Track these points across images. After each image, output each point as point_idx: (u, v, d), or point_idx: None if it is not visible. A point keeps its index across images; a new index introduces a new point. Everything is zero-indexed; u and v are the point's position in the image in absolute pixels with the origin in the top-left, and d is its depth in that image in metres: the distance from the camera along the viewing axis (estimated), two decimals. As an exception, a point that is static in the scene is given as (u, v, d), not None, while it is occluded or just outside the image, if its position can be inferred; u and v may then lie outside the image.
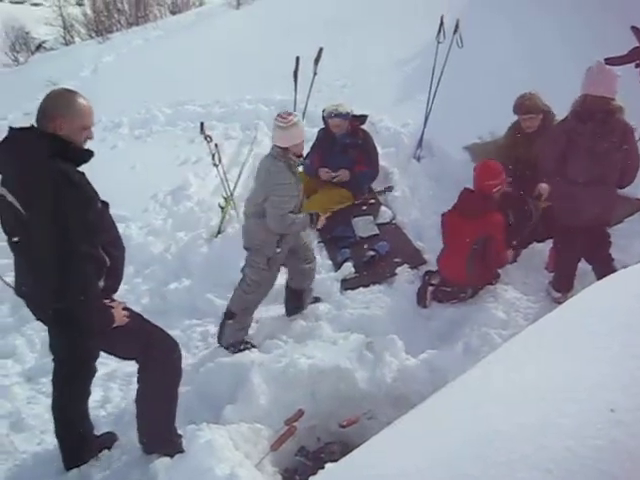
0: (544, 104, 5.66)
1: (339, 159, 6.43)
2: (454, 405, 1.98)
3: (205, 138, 6.12)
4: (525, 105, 5.64)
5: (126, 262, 3.62)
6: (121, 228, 6.52)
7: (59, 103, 3.14)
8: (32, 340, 5.35)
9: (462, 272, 5.06)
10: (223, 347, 5.00)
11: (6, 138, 3.14)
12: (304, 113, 7.50)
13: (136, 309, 5.57)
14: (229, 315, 5.01)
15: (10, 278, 3.53)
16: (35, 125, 3.14)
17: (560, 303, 4.88)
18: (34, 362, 5.12)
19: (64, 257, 3.03)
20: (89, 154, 3.23)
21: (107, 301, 3.37)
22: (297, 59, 7.08)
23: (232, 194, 6.49)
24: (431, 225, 6.15)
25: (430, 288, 5.25)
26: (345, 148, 6.43)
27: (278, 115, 4.70)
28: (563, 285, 5.13)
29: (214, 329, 5.28)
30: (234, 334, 5.01)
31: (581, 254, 5.06)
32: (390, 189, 6.87)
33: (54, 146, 3.06)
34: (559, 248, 5.21)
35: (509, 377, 1.87)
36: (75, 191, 3.04)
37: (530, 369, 1.86)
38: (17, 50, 25.91)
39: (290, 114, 4.68)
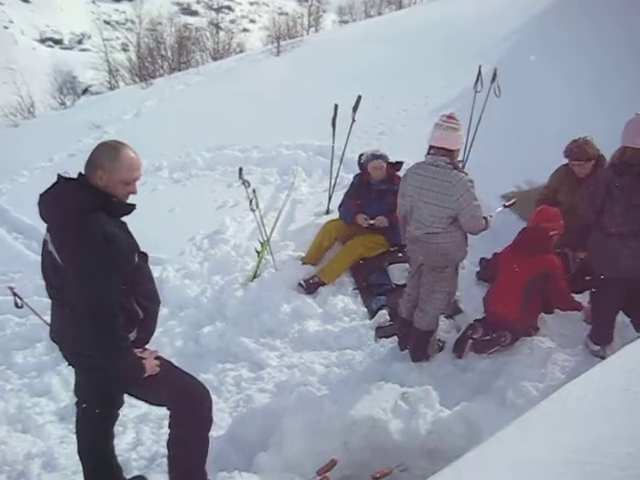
0: (596, 150, 5.60)
1: (375, 205, 6.44)
2: (491, 464, 1.93)
3: (243, 183, 6.20)
4: (573, 152, 5.61)
5: (161, 304, 3.65)
6: (158, 271, 6.71)
7: (103, 155, 3.18)
8: (67, 379, 5.40)
9: (513, 310, 5.00)
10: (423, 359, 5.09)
11: (53, 185, 3.21)
12: (341, 159, 7.55)
13: (170, 352, 5.68)
14: (428, 335, 5.06)
15: (49, 317, 3.58)
16: (83, 173, 3.20)
17: (599, 356, 4.80)
18: (68, 401, 5.15)
19: (95, 310, 3.05)
20: (130, 208, 3.26)
21: (138, 350, 3.38)
22: (336, 107, 7.16)
23: (269, 239, 6.53)
24: (467, 273, 6.09)
25: (470, 341, 5.18)
26: (381, 194, 6.44)
27: (446, 116, 4.67)
28: (602, 338, 5.02)
29: (247, 374, 5.26)
30: (434, 345, 5.13)
31: (619, 306, 4.96)
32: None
33: (95, 199, 3.10)
34: (597, 300, 5.11)
35: (548, 439, 1.83)
36: (110, 246, 3.05)
37: (570, 432, 1.81)
38: (64, 93, 26.67)
39: (456, 116, 4.68)
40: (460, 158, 5.17)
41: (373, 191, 6.50)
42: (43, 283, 3.38)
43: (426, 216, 4.78)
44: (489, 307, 5.24)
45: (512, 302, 5.02)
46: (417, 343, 5.13)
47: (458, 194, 4.57)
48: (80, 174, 3.21)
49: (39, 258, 3.34)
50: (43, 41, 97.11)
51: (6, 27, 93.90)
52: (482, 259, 6.12)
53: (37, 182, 11.36)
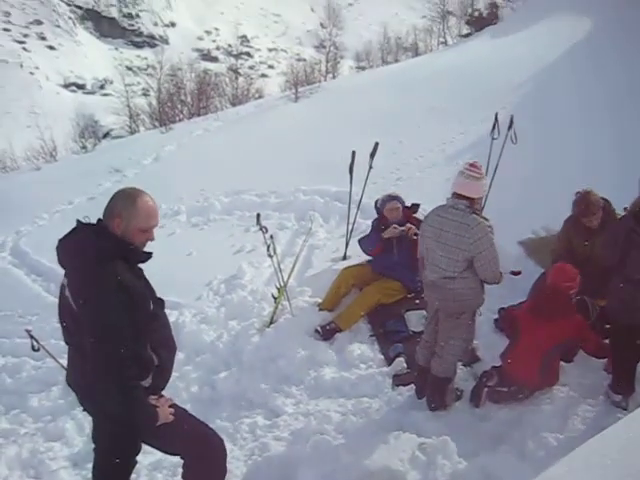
0: (599, 199, 5.59)
1: (395, 248, 6.43)
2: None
3: (261, 229, 6.23)
4: (581, 209, 5.58)
5: (178, 348, 3.64)
6: (174, 315, 6.73)
7: (121, 203, 3.20)
8: (81, 424, 5.38)
9: (533, 373, 4.91)
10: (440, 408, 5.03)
11: (72, 231, 3.24)
12: (359, 205, 7.59)
13: (185, 397, 5.65)
14: (446, 382, 5.00)
15: (65, 360, 3.58)
16: (102, 219, 3.23)
17: (621, 407, 4.72)
18: (82, 446, 5.14)
19: (108, 358, 3.06)
20: (146, 256, 3.28)
21: (153, 398, 3.36)
22: (353, 153, 7.22)
23: (286, 285, 6.54)
24: (485, 320, 6.04)
25: (485, 389, 5.11)
26: (399, 237, 6.43)
27: (470, 165, 4.74)
28: (623, 388, 4.94)
29: (262, 421, 5.22)
30: (452, 394, 5.08)
31: (640, 354, 4.90)
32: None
33: (112, 247, 3.12)
34: (617, 348, 5.04)
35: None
36: (125, 295, 3.06)
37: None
38: (86, 137, 27.13)
39: (479, 165, 4.75)
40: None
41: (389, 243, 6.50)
42: (60, 326, 3.39)
43: (442, 259, 4.76)
44: (508, 368, 5.11)
45: (533, 367, 4.92)
46: (434, 391, 5.07)
47: (475, 237, 4.57)
48: (99, 220, 3.24)
49: (57, 301, 3.36)
50: (67, 86, 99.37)
51: (32, 73, 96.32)
52: (501, 308, 6.07)
53: (57, 225, 11.55)
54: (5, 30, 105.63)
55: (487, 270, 4.68)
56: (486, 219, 4.71)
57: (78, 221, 3.26)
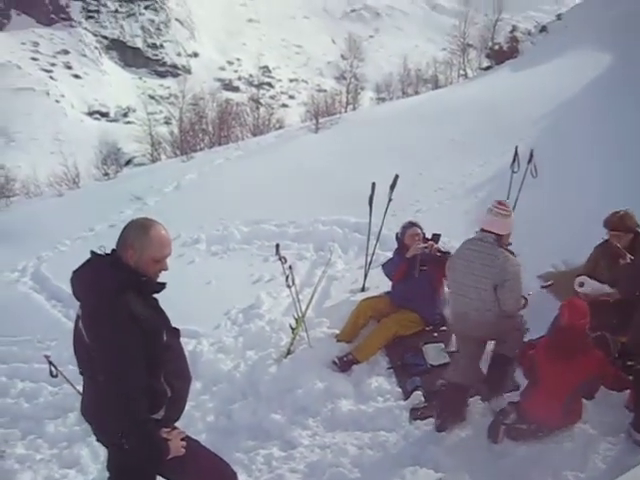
0: (635, 224, 5.56)
1: (415, 278, 6.42)
2: None
3: (280, 259, 6.25)
4: (612, 222, 5.56)
5: (194, 378, 3.64)
6: (192, 344, 6.75)
7: (133, 233, 3.22)
8: (97, 452, 5.39)
9: (555, 414, 4.84)
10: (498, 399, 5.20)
11: (86, 262, 3.26)
12: (378, 237, 7.60)
13: (201, 426, 5.65)
14: (510, 360, 5.16)
15: (81, 387, 3.59)
16: (116, 250, 3.24)
17: (643, 446, 4.64)
18: (96, 474, 5.14)
19: (119, 391, 3.06)
20: (160, 287, 3.29)
21: (166, 430, 3.34)
22: (373, 185, 7.25)
23: (304, 315, 6.53)
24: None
25: (503, 427, 5.04)
26: (422, 260, 6.42)
27: (498, 202, 5.02)
28: (645, 426, 4.85)
29: (278, 452, 5.20)
30: (512, 378, 5.29)
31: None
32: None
33: (125, 278, 3.13)
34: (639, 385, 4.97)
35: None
36: (137, 327, 3.07)
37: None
38: (108, 164, 27.47)
39: (507, 203, 5.02)
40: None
41: (412, 264, 6.49)
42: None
43: (471, 289, 4.96)
44: (529, 409, 5.00)
45: (555, 408, 4.82)
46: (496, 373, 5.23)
47: (502, 266, 4.81)
48: (113, 250, 3.25)
49: (74, 327, 3.37)
50: (91, 114, 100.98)
51: (57, 101, 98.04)
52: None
53: (77, 251, 11.65)
54: (33, 59, 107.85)
55: (510, 299, 4.87)
56: (513, 254, 4.94)
57: (92, 252, 3.27)
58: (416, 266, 6.42)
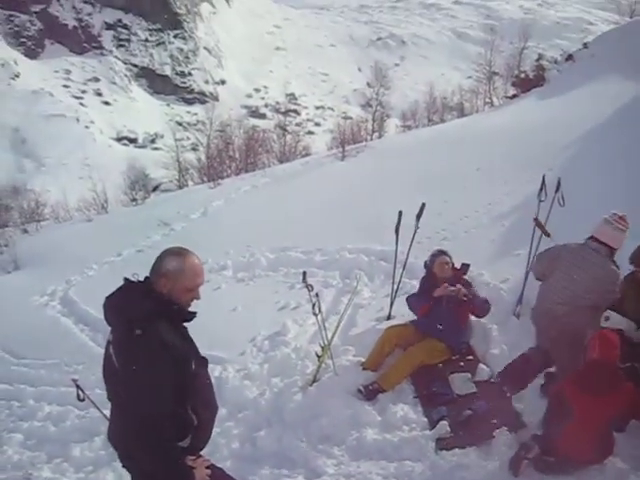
0: None
1: (443, 309, 6.41)
2: None
3: (307, 287, 6.27)
4: (639, 258, 5.50)
5: (220, 404, 3.64)
6: (218, 370, 6.78)
7: (167, 262, 3.26)
8: (122, 477, 5.41)
9: (587, 450, 4.75)
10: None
11: (118, 289, 3.30)
12: (404, 265, 7.60)
13: (226, 453, 5.65)
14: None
15: (109, 411, 3.62)
16: (149, 277, 3.29)
17: (675, 482, 4.54)
18: (121, 499, 5.14)
19: (145, 418, 3.08)
20: (191, 316, 3.32)
21: (191, 458, 3.34)
22: (400, 214, 7.27)
23: (330, 343, 6.52)
24: (531, 386, 5.92)
25: (525, 461, 4.95)
26: (449, 297, 6.41)
27: (617, 216, 5.14)
28: (678, 461, 4.76)
29: (303, 482, 5.18)
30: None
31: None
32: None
33: (156, 306, 3.17)
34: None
35: None
36: (167, 356, 3.10)
37: None
38: (136, 190, 27.79)
39: (626, 218, 5.14)
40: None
41: (438, 303, 6.47)
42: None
43: (565, 291, 5.20)
44: (558, 445, 4.85)
45: (587, 444, 4.72)
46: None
47: (611, 288, 5.08)
48: (146, 278, 3.29)
49: (102, 351, 3.40)
50: (119, 140, 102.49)
51: (87, 127, 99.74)
52: (548, 372, 5.95)
53: (105, 276, 11.81)
54: (65, 87, 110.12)
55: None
56: (619, 269, 5.13)
57: (125, 279, 3.32)
58: (442, 307, 6.40)
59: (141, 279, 3.30)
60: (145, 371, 3.07)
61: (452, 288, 6.36)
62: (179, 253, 3.31)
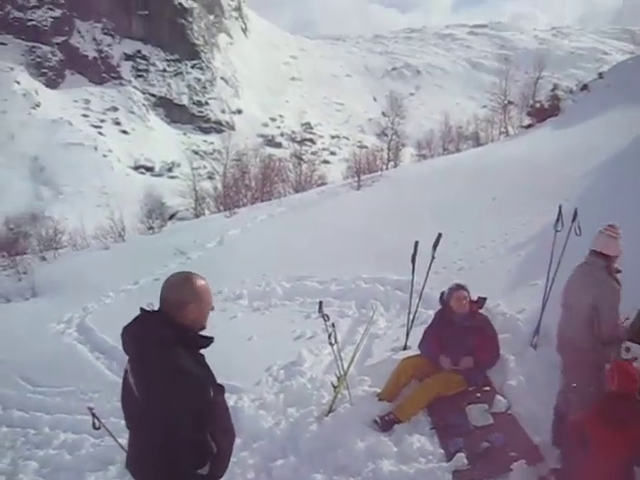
0: None
1: (458, 343, 6.37)
2: None
3: (323, 317, 6.27)
4: None
5: (235, 433, 3.63)
6: (233, 399, 6.77)
7: (186, 291, 3.28)
8: (138, 506, 5.37)
9: None
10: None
11: (135, 318, 3.33)
12: (420, 295, 7.59)
13: (241, 484, 5.60)
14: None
15: (124, 440, 3.62)
16: (161, 308, 3.29)
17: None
18: (138, 532, 5.10)
19: (166, 445, 3.07)
20: (208, 341, 3.33)
21: None
22: (416, 244, 7.28)
23: (346, 373, 6.51)
24: (549, 419, 5.85)
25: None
26: (464, 332, 6.38)
27: (609, 226, 5.30)
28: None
29: (318, 514, 5.14)
30: None
31: None
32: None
33: (174, 334, 3.19)
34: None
35: None
36: (188, 382, 3.11)
37: None
38: (153, 218, 27.97)
39: (617, 226, 5.30)
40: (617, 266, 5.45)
41: (455, 329, 6.45)
42: (120, 405, 3.44)
43: (573, 309, 5.33)
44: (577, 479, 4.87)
45: (606, 478, 4.67)
46: None
47: (599, 289, 5.10)
48: (160, 309, 3.31)
49: (118, 379, 3.43)
50: (136, 168, 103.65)
51: (105, 155, 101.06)
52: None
53: (122, 304, 11.87)
54: (84, 116, 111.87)
55: (602, 325, 5.09)
56: (617, 281, 5.21)
57: (141, 309, 3.35)
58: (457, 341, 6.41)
59: (156, 308, 3.33)
60: (165, 398, 3.07)
61: (455, 367, 6.35)
62: (191, 278, 3.34)
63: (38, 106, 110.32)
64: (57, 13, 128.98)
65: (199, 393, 3.16)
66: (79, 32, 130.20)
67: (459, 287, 6.59)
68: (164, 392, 3.08)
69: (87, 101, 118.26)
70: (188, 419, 3.11)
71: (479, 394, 6.35)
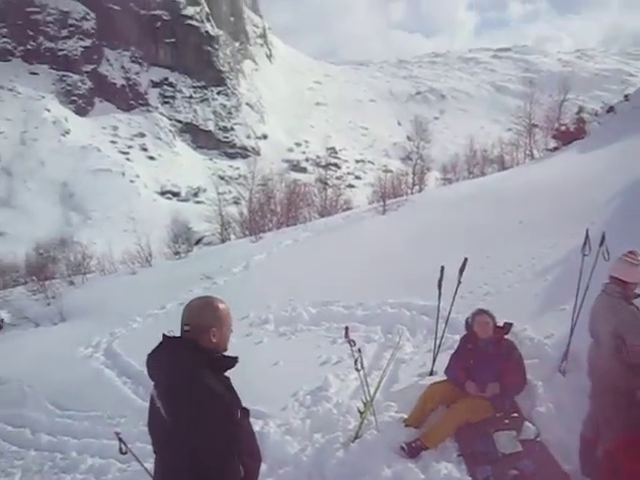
0: None
1: (484, 370, 6.31)
2: None
3: (349, 342, 6.26)
4: None
5: (261, 457, 3.63)
6: (259, 425, 6.76)
7: (208, 315, 3.33)
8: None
9: None
10: None
11: (159, 345, 3.35)
12: (447, 320, 7.55)
13: (268, 510, 5.57)
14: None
15: (150, 464, 3.63)
16: (184, 333, 3.32)
17: None
18: None
19: (196, 468, 3.08)
20: (233, 361, 3.35)
21: None
22: (442, 269, 7.26)
23: (372, 399, 6.48)
24: (578, 446, 5.77)
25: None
26: (490, 358, 6.33)
27: (629, 252, 5.25)
28: None
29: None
30: None
31: None
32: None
33: (202, 358, 3.22)
34: None
35: None
36: (216, 403, 3.12)
37: None
38: (179, 243, 28.18)
39: (637, 253, 5.25)
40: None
41: (481, 355, 6.39)
42: (147, 429, 3.46)
43: (598, 341, 5.28)
44: None
45: None
46: None
47: (618, 317, 5.01)
48: (182, 335, 3.33)
49: (145, 404, 3.45)
50: (163, 193, 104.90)
51: (132, 181, 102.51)
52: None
53: (149, 329, 11.97)
54: (112, 142, 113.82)
55: (630, 353, 4.98)
56: (637, 307, 5.12)
57: (164, 335, 3.37)
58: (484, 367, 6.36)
59: (177, 334, 3.36)
60: (195, 421, 3.08)
61: (481, 394, 6.27)
62: (212, 302, 3.38)
63: (68, 133, 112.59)
64: (87, 43, 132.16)
65: (228, 415, 3.17)
66: (108, 60, 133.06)
67: (481, 312, 6.56)
68: (194, 415, 3.09)
69: (115, 128, 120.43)
70: (220, 443, 3.12)
71: (507, 420, 6.26)
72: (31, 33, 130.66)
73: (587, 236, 7.17)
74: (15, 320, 18.50)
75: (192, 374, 3.16)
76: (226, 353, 3.38)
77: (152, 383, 3.39)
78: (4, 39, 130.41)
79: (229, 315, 3.38)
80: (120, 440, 5.27)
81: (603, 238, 7.03)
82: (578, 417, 6.26)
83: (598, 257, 7.02)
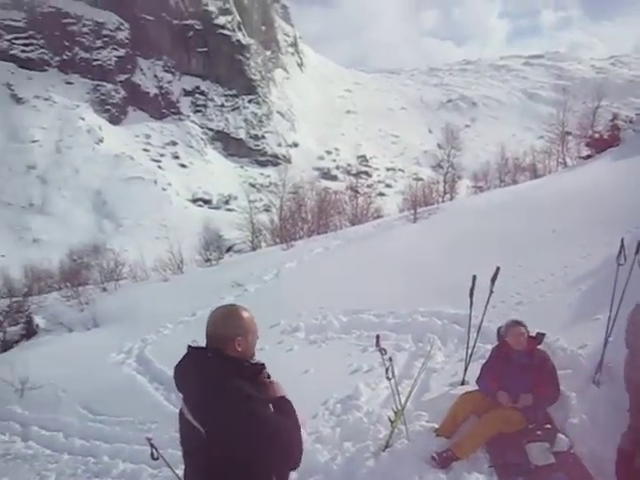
0: None
1: (516, 380, 6.23)
2: None
3: (380, 351, 6.25)
4: None
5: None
6: (290, 433, 6.73)
7: (233, 324, 3.32)
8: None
9: None
10: None
11: (186, 357, 3.36)
12: (479, 329, 7.48)
13: (298, 519, 5.57)
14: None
15: (181, 471, 3.65)
16: (209, 343, 3.32)
17: None
18: None
19: (234, 476, 3.10)
20: (261, 367, 3.36)
21: None
22: (474, 278, 7.20)
23: (403, 408, 6.45)
24: (613, 459, 5.66)
25: None
26: (522, 369, 6.26)
27: None
28: None
29: None
30: None
31: None
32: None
33: (230, 368, 3.21)
34: None
35: None
36: (252, 407, 3.11)
37: None
38: (210, 250, 28.39)
39: None
40: None
41: (514, 365, 6.32)
42: (178, 435, 3.46)
43: (634, 352, 5.25)
44: None
45: None
46: None
47: None
48: (207, 346, 3.33)
49: (176, 410, 3.45)
50: (194, 201, 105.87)
51: (164, 189, 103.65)
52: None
53: (180, 335, 12.06)
54: (144, 150, 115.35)
55: None
56: None
57: (189, 346, 3.37)
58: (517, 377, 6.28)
59: (202, 344, 3.36)
60: (233, 425, 3.07)
61: (514, 405, 6.16)
62: (236, 311, 3.38)
63: (102, 141, 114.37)
64: (121, 52, 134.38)
65: (261, 415, 3.16)
66: (141, 70, 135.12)
67: (516, 323, 6.45)
68: (232, 423, 3.08)
69: (148, 136, 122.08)
70: (258, 447, 3.11)
71: (540, 432, 6.17)
72: (67, 44, 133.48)
73: (622, 245, 7.06)
74: (50, 325, 18.83)
75: (222, 383, 3.16)
76: (253, 360, 3.38)
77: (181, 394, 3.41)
78: (41, 50, 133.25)
79: (253, 322, 3.38)
80: (152, 446, 5.30)
81: (638, 247, 6.92)
82: (612, 429, 6.16)
83: (634, 266, 6.92)
